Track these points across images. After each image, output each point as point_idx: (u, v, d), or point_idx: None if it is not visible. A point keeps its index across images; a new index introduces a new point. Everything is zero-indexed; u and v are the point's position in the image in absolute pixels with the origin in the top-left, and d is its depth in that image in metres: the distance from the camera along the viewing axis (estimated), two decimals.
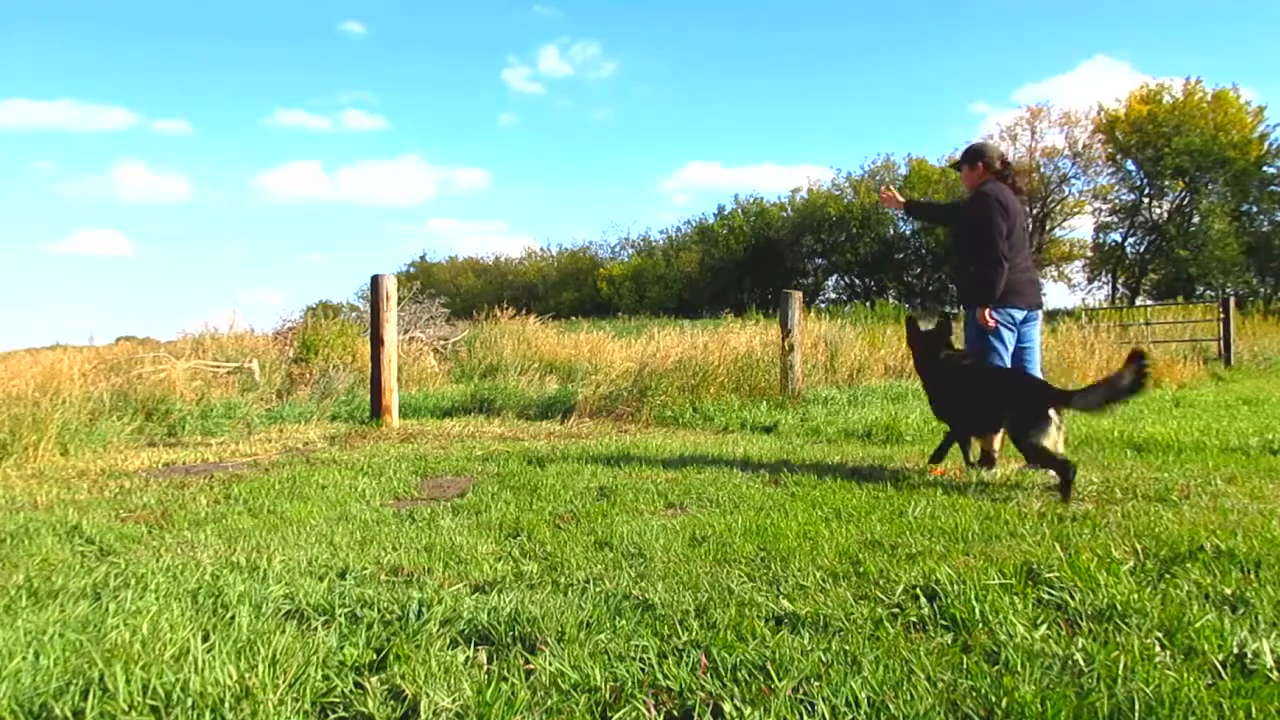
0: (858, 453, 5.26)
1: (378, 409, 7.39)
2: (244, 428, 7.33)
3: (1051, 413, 3.76)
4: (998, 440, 4.43)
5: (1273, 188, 33.45)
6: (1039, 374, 4.62)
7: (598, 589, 2.37)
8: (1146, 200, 36.69)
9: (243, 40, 61.63)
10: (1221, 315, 13.95)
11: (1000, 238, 4.32)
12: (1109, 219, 38.38)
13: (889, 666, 1.76)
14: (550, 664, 1.80)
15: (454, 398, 9.19)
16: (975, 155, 4.62)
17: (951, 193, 40.09)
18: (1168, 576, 2.32)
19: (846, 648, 1.87)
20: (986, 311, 4.38)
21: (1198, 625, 1.91)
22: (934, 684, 1.67)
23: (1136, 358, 3.71)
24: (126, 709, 1.60)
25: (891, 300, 37.73)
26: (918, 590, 2.25)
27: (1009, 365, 4.44)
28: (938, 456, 4.48)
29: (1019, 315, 4.47)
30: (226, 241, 67.78)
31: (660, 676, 1.74)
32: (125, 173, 61.54)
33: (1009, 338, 4.43)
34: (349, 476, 4.55)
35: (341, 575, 2.57)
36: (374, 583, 2.49)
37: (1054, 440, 3.72)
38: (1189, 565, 2.41)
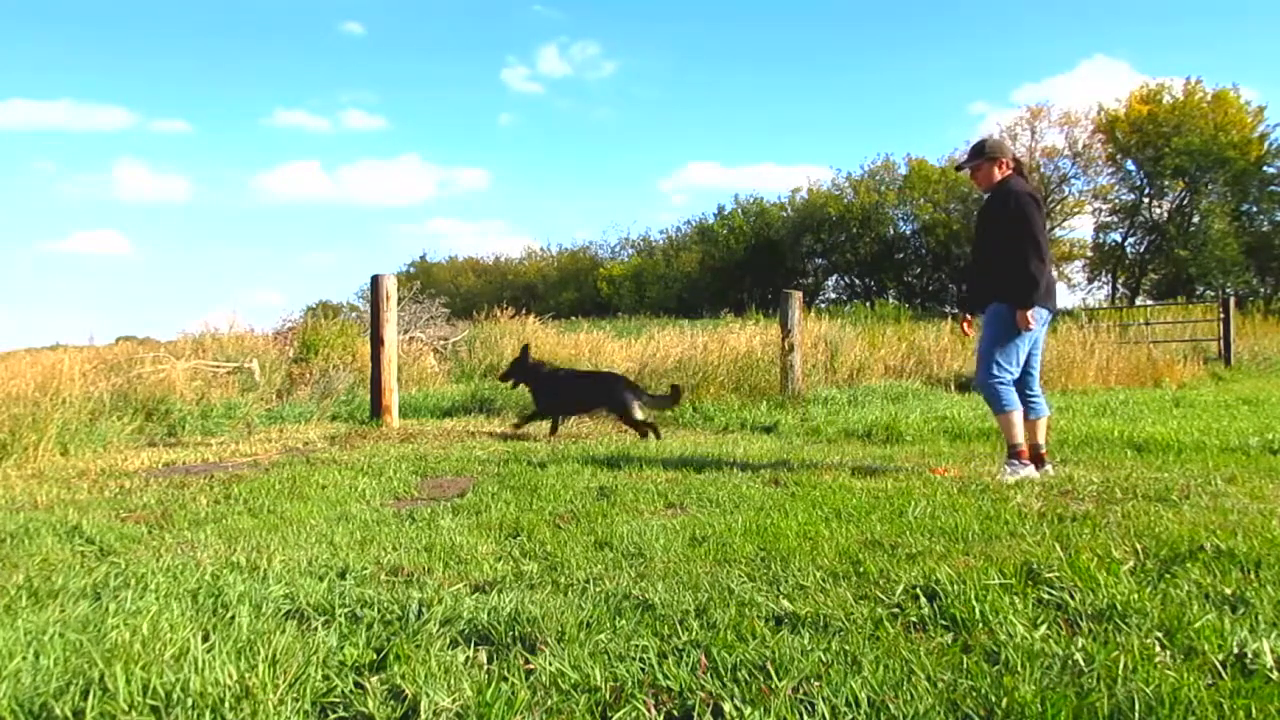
0: (858, 452, 5.26)
1: (378, 409, 7.39)
2: (244, 428, 7.33)
3: (635, 398, 6.54)
4: (1042, 434, 4.37)
5: (1273, 188, 33.47)
6: (1039, 377, 4.48)
7: (598, 589, 2.36)
8: (1146, 200, 36.70)
9: (243, 40, 61.68)
10: (1221, 315, 13.96)
11: (1043, 235, 4.16)
12: (1109, 219, 38.41)
13: (889, 666, 1.76)
14: (550, 664, 1.80)
15: (454, 398, 9.18)
16: (996, 151, 4.41)
17: (951, 192, 40.14)
18: (1168, 576, 2.31)
19: (846, 648, 1.87)
20: (1029, 313, 4.14)
21: (1198, 625, 1.91)
22: (934, 684, 1.67)
23: (676, 388, 6.98)
24: (126, 709, 1.60)
25: (891, 300, 37.73)
26: (918, 590, 2.25)
27: (1019, 370, 4.29)
28: (521, 422, 7.02)
29: (1045, 316, 4.30)
30: (226, 241, 67.84)
31: (660, 676, 1.74)
32: (125, 173, 61.63)
33: (1030, 340, 4.27)
34: (349, 476, 4.55)
35: (341, 575, 2.57)
36: (374, 583, 2.49)
37: (643, 414, 6.55)
38: (1189, 565, 2.40)
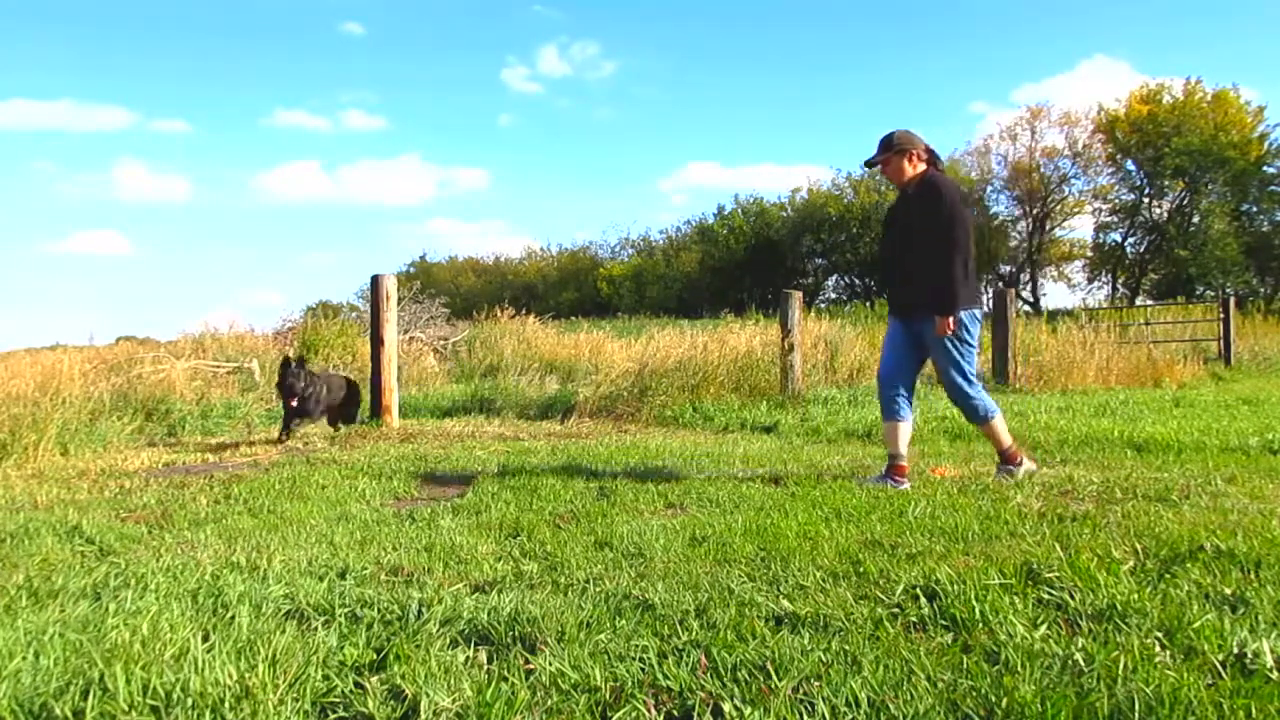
0: (858, 452, 5.26)
1: (378, 409, 7.39)
2: (244, 427, 7.33)
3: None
4: (1004, 436, 4.10)
5: (1273, 188, 33.47)
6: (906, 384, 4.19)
7: (598, 589, 2.36)
8: (1146, 200, 36.71)
9: (243, 40, 61.74)
10: (1221, 315, 13.96)
11: (968, 230, 3.87)
12: (1109, 219, 38.42)
13: (889, 666, 1.75)
14: (550, 664, 1.80)
15: (454, 398, 9.19)
16: (905, 143, 4.07)
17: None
18: (1168, 576, 2.31)
19: (846, 648, 1.87)
20: (950, 320, 3.89)
21: (1198, 625, 1.91)
22: (934, 684, 1.67)
23: (350, 383, 7.38)
24: (126, 709, 1.60)
25: None
26: (918, 590, 2.25)
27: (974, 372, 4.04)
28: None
29: (979, 317, 4.06)
30: (226, 241, 67.91)
31: (660, 676, 1.74)
32: (125, 173, 61.68)
33: (977, 339, 4.04)
34: (349, 476, 4.55)
35: (341, 575, 2.57)
36: (374, 583, 2.49)
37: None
38: (1189, 565, 2.40)
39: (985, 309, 4.11)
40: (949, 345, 3.98)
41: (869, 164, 4.23)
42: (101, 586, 2.44)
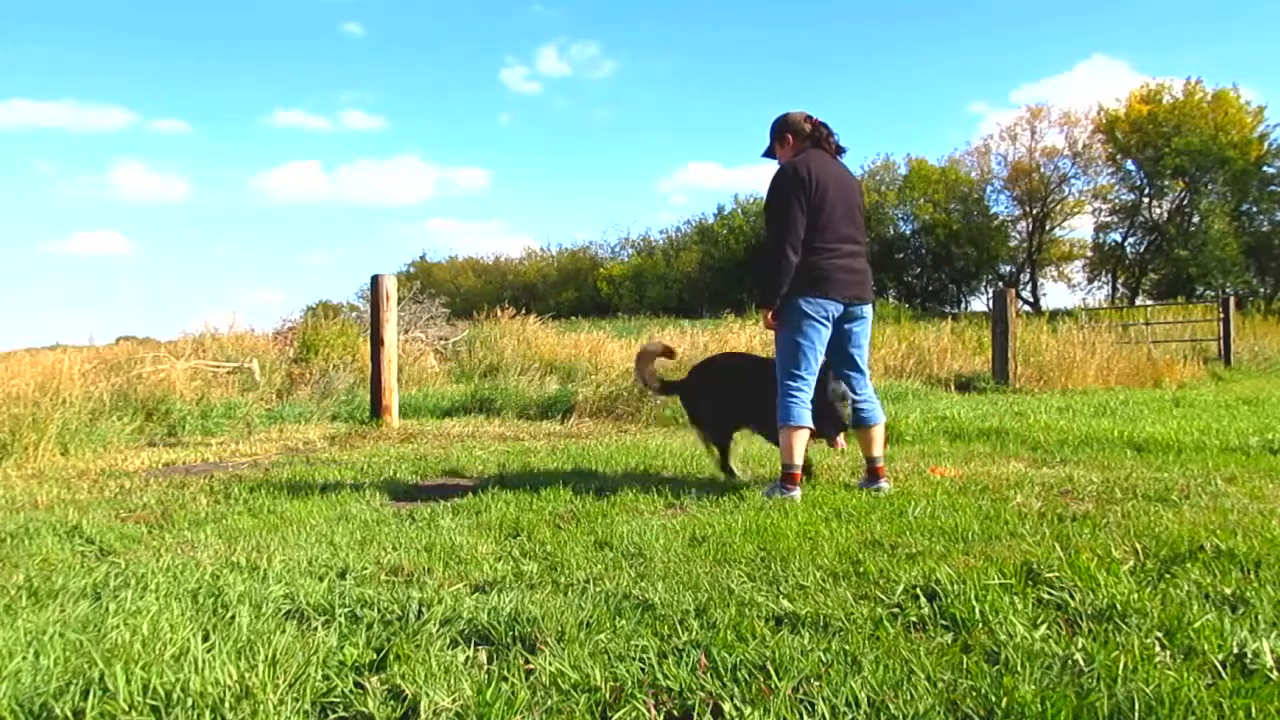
0: (858, 452, 5.24)
1: (378, 409, 7.40)
2: (244, 428, 7.33)
3: None
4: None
5: (1273, 188, 33.52)
6: (869, 386, 3.95)
7: (598, 589, 2.36)
8: (1146, 200, 36.76)
9: (242, 40, 61.92)
10: (1221, 315, 13.97)
11: (787, 216, 3.59)
12: (1109, 219, 38.49)
13: (889, 666, 1.75)
14: (550, 664, 1.79)
15: (454, 398, 9.18)
16: (781, 129, 3.85)
17: (951, 192, 40.12)
18: (1168, 576, 2.31)
19: (846, 648, 1.87)
20: (769, 313, 3.74)
21: (1198, 625, 1.91)
22: (934, 684, 1.67)
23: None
24: (126, 709, 1.60)
25: (891, 300, 37.72)
26: (918, 590, 2.25)
27: (816, 372, 3.72)
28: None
29: (833, 309, 3.70)
30: (226, 241, 67.98)
31: (660, 676, 1.74)
32: (124, 173, 61.76)
33: (818, 335, 3.69)
34: (349, 476, 4.54)
35: (341, 575, 2.57)
36: (374, 583, 2.49)
37: None
38: (1189, 565, 2.40)
39: (847, 304, 3.75)
40: (777, 335, 3.78)
41: (765, 155, 3.99)
42: (101, 586, 2.44)
